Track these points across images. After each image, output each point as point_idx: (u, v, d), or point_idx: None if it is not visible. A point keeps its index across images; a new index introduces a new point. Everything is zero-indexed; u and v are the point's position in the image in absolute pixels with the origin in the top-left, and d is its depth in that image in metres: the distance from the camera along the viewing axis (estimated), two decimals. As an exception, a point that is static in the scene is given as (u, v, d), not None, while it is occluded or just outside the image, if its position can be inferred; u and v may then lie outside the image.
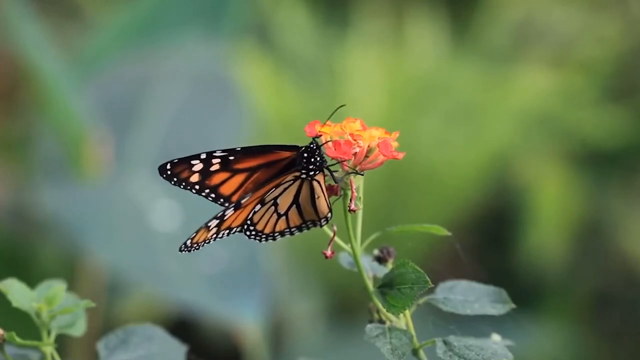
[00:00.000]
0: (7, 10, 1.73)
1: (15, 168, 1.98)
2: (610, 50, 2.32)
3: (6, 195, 1.93)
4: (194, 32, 1.90)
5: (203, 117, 1.79)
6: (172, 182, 0.78)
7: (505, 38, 2.34)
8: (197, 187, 0.78)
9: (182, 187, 0.78)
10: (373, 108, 2.09)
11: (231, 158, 0.77)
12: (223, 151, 0.77)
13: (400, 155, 0.74)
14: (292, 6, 2.29)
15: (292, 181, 0.75)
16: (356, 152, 0.74)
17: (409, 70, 2.17)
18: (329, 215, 0.76)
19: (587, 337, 2.13)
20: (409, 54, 2.22)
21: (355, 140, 0.74)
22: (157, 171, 0.78)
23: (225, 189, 0.78)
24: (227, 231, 0.77)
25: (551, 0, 2.41)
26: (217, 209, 0.79)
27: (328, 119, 0.76)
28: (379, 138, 0.74)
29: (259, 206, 0.76)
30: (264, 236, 0.77)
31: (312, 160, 0.75)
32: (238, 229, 0.77)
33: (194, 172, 0.78)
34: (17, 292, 0.76)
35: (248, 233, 0.77)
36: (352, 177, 0.74)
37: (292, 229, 0.76)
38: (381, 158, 0.74)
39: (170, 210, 1.65)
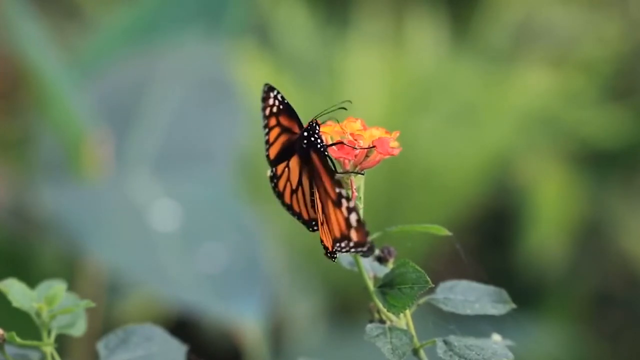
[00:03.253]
0: (7, 10, 1.73)
1: (15, 168, 1.98)
2: (610, 50, 2.32)
3: (6, 195, 1.93)
4: (194, 32, 1.90)
5: (203, 117, 1.79)
6: (262, 106, 0.77)
7: (505, 38, 2.34)
8: (265, 120, 0.77)
9: (262, 113, 0.77)
10: (373, 108, 2.09)
11: (281, 107, 0.77)
12: (283, 98, 0.77)
13: (396, 152, 0.74)
14: (292, 6, 2.29)
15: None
16: (357, 152, 0.74)
17: (409, 70, 2.17)
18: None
19: (587, 337, 2.13)
20: (409, 54, 2.22)
21: (355, 140, 0.74)
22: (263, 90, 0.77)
23: (270, 135, 0.77)
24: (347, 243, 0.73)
25: (551, 0, 2.41)
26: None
27: (324, 113, 0.75)
28: (378, 137, 0.74)
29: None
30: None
31: (314, 140, 0.74)
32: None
33: (270, 106, 0.77)
34: (17, 292, 0.76)
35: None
36: (352, 176, 0.74)
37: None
38: (378, 156, 0.74)
39: (170, 210, 1.65)
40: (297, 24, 2.26)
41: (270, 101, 0.77)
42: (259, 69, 2.12)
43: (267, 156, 0.76)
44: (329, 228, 0.72)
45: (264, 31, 2.27)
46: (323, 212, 0.73)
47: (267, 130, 0.77)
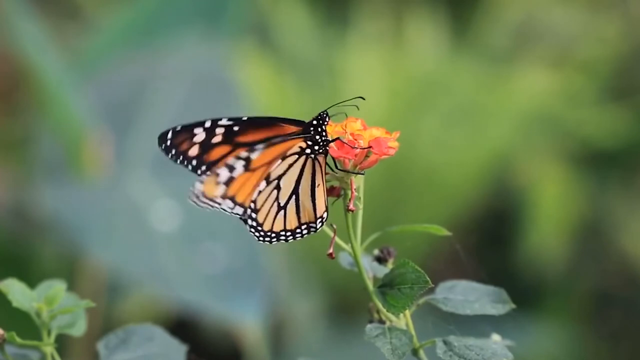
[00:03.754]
0: (7, 10, 1.73)
1: (15, 168, 1.98)
2: (610, 50, 2.32)
3: (6, 195, 1.93)
4: (194, 33, 1.90)
5: (203, 117, 1.79)
6: (170, 156, 0.72)
7: (505, 38, 2.34)
8: (194, 162, 0.72)
9: (179, 161, 0.72)
10: (373, 108, 2.09)
11: (235, 129, 0.73)
12: (229, 119, 0.72)
13: (392, 152, 0.73)
14: (292, 6, 2.29)
15: (297, 155, 0.72)
16: (357, 152, 0.74)
17: (409, 70, 2.17)
18: (325, 214, 0.73)
19: (587, 337, 2.13)
20: (409, 54, 2.22)
21: (355, 139, 0.73)
22: (157, 142, 0.71)
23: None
24: (231, 204, 0.70)
25: (551, 1, 2.41)
26: (216, 214, 0.75)
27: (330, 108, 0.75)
28: (375, 138, 0.74)
29: (264, 184, 0.70)
30: (262, 232, 0.72)
31: (320, 131, 0.72)
32: (240, 211, 0.71)
33: (194, 144, 0.72)
34: (17, 292, 0.76)
35: (250, 222, 0.71)
36: (352, 177, 0.74)
37: (287, 233, 0.73)
38: (375, 156, 0.74)
39: (170, 210, 1.65)
40: (297, 24, 2.26)
41: (198, 137, 0.72)
42: (259, 69, 2.12)
43: (232, 198, 0.71)
44: (300, 212, 0.72)
45: (264, 31, 2.26)
46: (312, 195, 0.72)
47: (205, 167, 0.71)
